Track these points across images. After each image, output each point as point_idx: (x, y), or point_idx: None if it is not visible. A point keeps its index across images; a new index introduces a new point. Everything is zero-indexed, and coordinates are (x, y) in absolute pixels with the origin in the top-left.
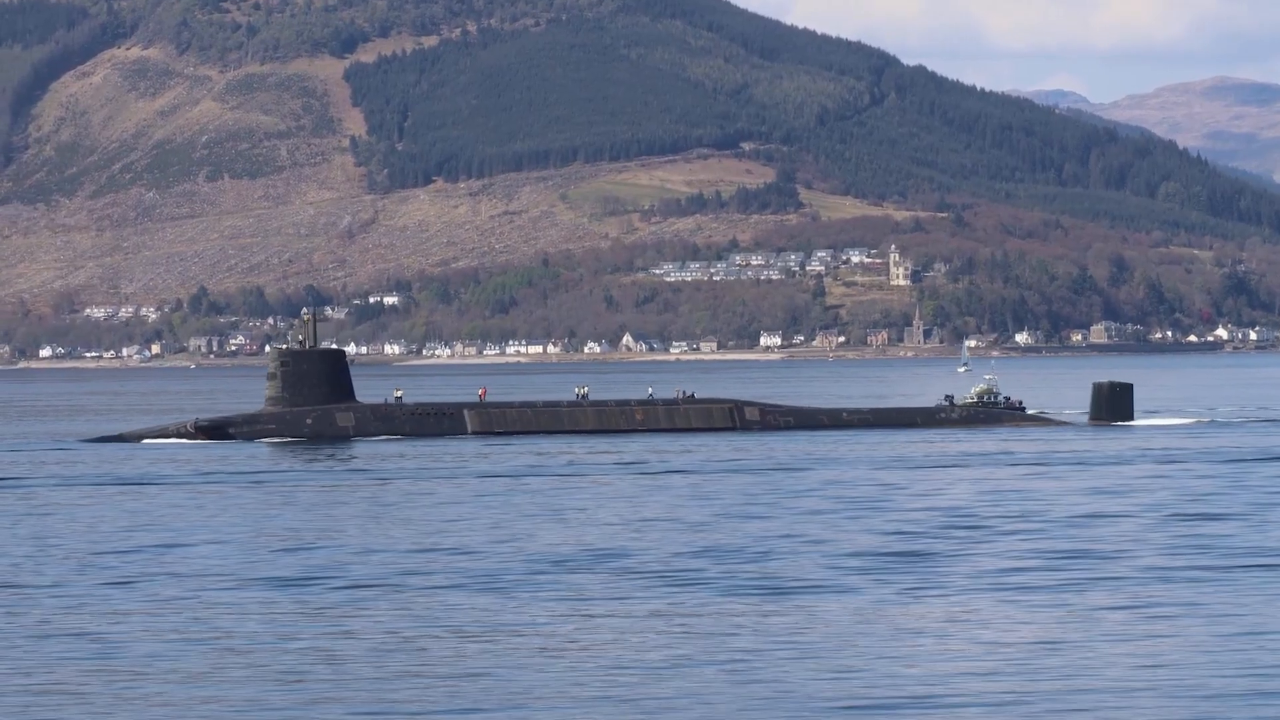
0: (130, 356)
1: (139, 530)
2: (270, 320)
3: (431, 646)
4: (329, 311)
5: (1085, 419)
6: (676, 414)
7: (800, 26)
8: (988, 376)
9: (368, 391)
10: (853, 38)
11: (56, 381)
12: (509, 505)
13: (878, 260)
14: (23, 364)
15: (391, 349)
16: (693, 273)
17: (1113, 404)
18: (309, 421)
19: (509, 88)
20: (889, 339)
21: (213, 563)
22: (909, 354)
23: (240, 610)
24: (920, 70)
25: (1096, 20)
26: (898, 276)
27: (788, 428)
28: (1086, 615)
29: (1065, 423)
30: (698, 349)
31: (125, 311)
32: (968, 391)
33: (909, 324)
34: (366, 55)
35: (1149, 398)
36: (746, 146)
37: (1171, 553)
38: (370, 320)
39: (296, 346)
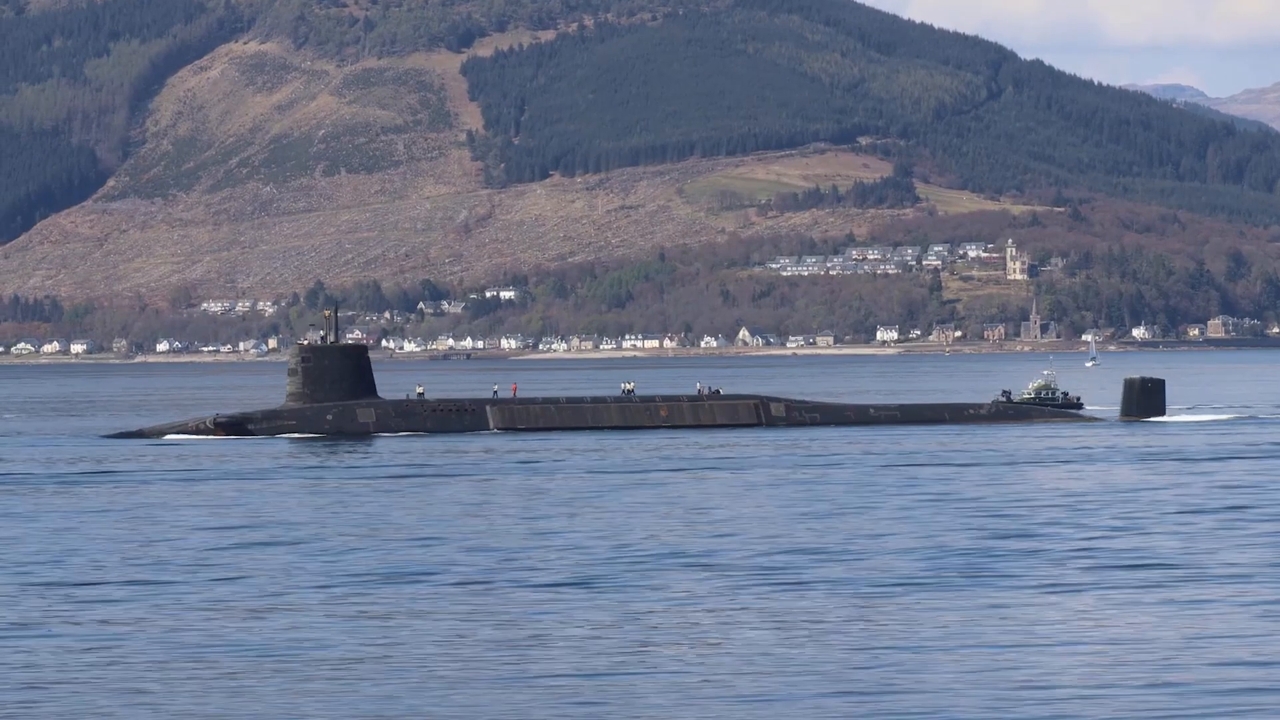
0: (247, 351)
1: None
2: (387, 314)
3: (528, 645)
4: (445, 306)
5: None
6: (701, 410)
7: (917, 21)
8: (1045, 372)
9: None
10: (970, 32)
11: (166, 375)
12: (576, 501)
13: (995, 254)
14: (140, 358)
15: (508, 344)
16: (809, 267)
17: (1144, 400)
18: (329, 418)
19: (626, 82)
20: (1006, 333)
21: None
22: (1026, 348)
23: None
24: (1037, 64)
25: (1214, 13)
26: (1015, 271)
27: (814, 424)
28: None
29: (1096, 419)
30: (814, 343)
31: (242, 306)
32: (1025, 387)
33: (1026, 318)
34: (483, 49)
35: (1227, 394)
36: (863, 141)
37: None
38: (486, 315)
39: (318, 342)
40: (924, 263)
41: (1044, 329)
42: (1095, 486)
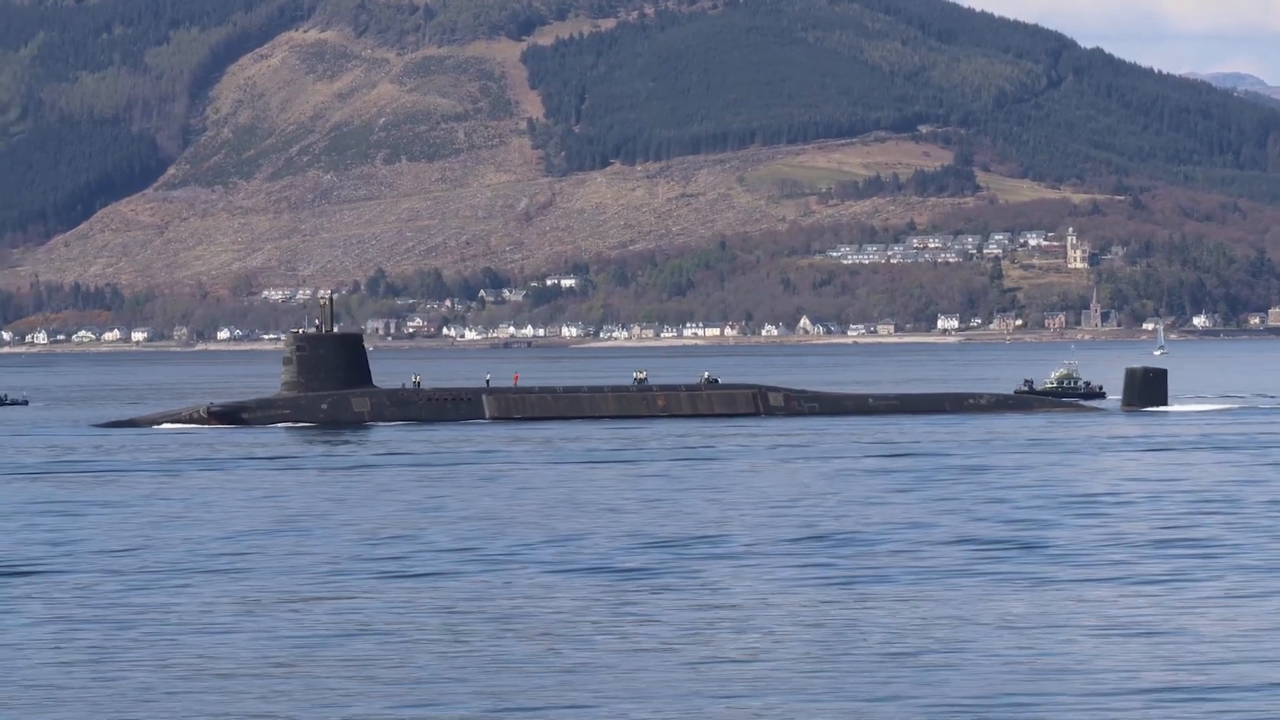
0: None
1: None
2: (448, 302)
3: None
4: (506, 294)
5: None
6: (699, 399)
7: (978, 9)
8: (1068, 362)
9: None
10: (1030, 20)
11: (221, 363)
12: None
13: (1055, 243)
14: (200, 346)
15: (568, 331)
16: (870, 255)
17: (1145, 390)
18: (324, 407)
19: (686, 70)
20: (1066, 322)
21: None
22: (1086, 336)
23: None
24: (1098, 53)
25: (1275, 2)
26: (1075, 259)
27: (812, 413)
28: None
29: (1096, 409)
30: (875, 332)
31: (302, 294)
32: (1048, 376)
33: (1086, 307)
34: (544, 38)
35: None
36: (924, 129)
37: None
38: (547, 303)
39: (313, 330)
40: (985, 251)
41: (1104, 317)
42: (1085, 474)
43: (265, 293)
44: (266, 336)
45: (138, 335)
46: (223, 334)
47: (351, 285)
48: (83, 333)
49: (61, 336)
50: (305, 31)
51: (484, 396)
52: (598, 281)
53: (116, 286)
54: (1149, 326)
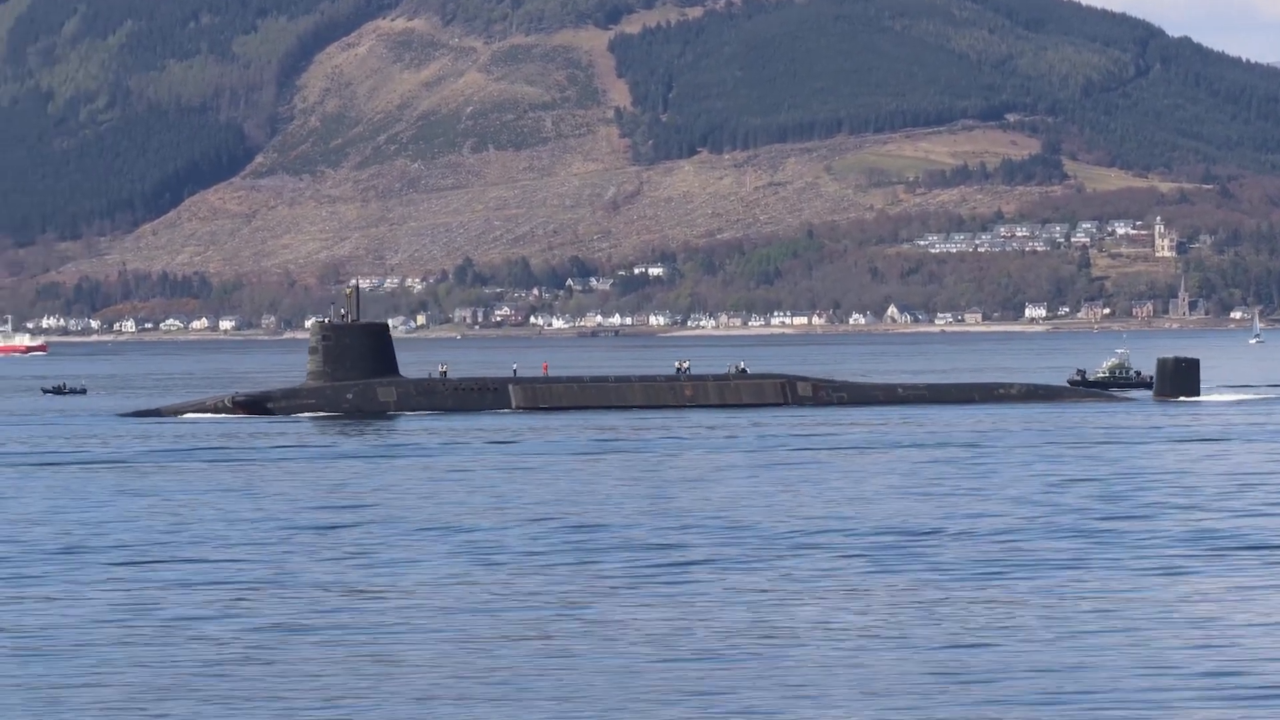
0: (395, 327)
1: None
2: (535, 291)
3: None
4: (593, 283)
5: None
6: (726, 389)
7: None
8: (1119, 351)
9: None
10: (1118, 9)
11: (300, 352)
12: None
13: (1143, 232)
14: (288, 334)
15: (656, 320)
16: (957, 244)
17: (1177, 380)
18: (349, 397)
19: (773, 59)
20: (1154, 311)
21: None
22: (1174, 325)
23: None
24: (1186, 41)
25: None
26: (1163, 248)
27: (841, 403)
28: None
29: (1128, 399)
30: (962, 320)
31: (390, 282)
32: (1100, 366)
33: (1174, 296)
34: (631, 26)
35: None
36: (1011, 118)
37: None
38: (635, 291)
39: (339, 320)
40: (1072, 240)
41: (1192, 306)
42: (1094, 465)
43: (353, 282)
44: None
45: (225, 324)
46: (310, 323)
47: (439, 274)
48: (171, 321)
49: (149, 325)
50: (393, 20)
51: (510, 386)
52: (685, 270)
53: (204, 275)
54: (1237, 315)
